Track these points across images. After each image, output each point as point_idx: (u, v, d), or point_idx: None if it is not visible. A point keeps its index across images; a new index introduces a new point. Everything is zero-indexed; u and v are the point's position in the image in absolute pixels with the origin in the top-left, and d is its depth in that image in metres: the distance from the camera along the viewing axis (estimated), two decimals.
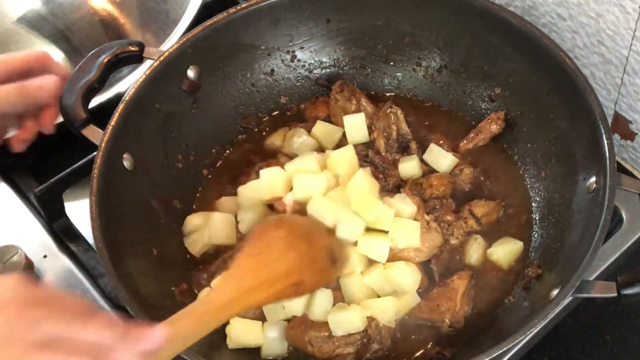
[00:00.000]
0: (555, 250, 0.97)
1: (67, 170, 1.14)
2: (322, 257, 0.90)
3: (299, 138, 1.11)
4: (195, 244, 1.04)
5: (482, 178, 1.07)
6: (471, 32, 1.09)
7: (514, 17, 1.03)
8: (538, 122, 1.05)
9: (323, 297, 0.94)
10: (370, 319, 0.93)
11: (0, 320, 0.57)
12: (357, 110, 1.12)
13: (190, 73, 1.09)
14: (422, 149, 1.10)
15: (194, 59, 1.08)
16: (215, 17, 1.08)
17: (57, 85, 0.96)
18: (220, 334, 0.96)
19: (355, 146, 1.06)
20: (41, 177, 1.19)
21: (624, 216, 1.03)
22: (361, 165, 1.03)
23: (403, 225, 0.97)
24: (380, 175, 1.04)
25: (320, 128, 1.12)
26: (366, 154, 1.07)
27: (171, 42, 1.14)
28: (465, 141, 1.10)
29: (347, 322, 0.92)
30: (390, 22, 1.14)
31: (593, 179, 0.92)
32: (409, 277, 0.95)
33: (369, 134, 1.11)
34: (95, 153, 0.97)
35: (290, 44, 1.16)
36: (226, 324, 0.95)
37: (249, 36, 1.12)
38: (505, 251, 0.99)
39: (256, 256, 0.85)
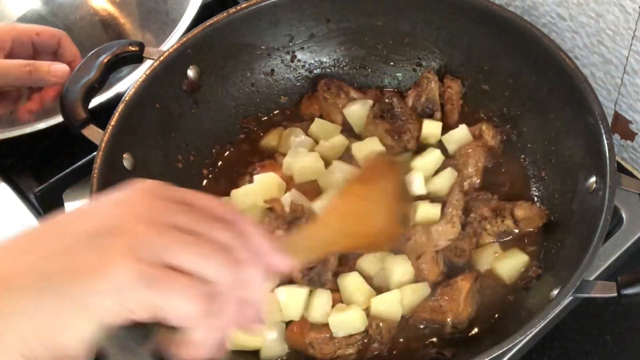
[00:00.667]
0: (555, 250, 0.97)
1: (67, 170, 1.14)
2: (395, 225, 0.88)
3: (296, 138, 1.11)
4: None
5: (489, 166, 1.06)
6: (471, 32, 1.09)
7: (514, 17, 1.03)
8: (538, 122, 1.05)
9: (322, 299, 0.94)
10: (371, 319, 0.93)
11: (136, 201, 0.57)
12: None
13: (190, 73, 1.09)
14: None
15: (194, 59, 1.08)
16: (215, 17, 1.08)
17: (66, 75, 1.01)
18: None
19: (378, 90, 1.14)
20: (41, 177, 1.19)
21: (624, 216, 1.03)
22: (374, 121, 1.08)
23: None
24: (396, 136, 1.07)
25: (318, 126, 1.12)
26: (390, 104, 1.09)
27: (171, 42, 1.14)
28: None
29: (348, 322, 0.92)
30: (390, 22, 1.13)
31: (593, 179, 0.92)
32: (399, 268, 0.96)
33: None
34: (95, 153, 0.97)
35: (290, 44, 1.16)
36: None
37: (249, 36, 1.12)
38: (510, 267, 0.97)
39: (360, 202, 0.83)
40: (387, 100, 1.10)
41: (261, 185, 1.03)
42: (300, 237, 0.78)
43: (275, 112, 1.18)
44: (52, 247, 0.54)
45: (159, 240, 0.55)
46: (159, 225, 0.56)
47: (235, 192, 1.04)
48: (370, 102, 1.13)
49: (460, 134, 1.08)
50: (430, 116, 1.11)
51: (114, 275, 0.53)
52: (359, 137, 1.10)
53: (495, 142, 1.07)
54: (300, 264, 0.82)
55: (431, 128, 1.09)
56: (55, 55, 1.07)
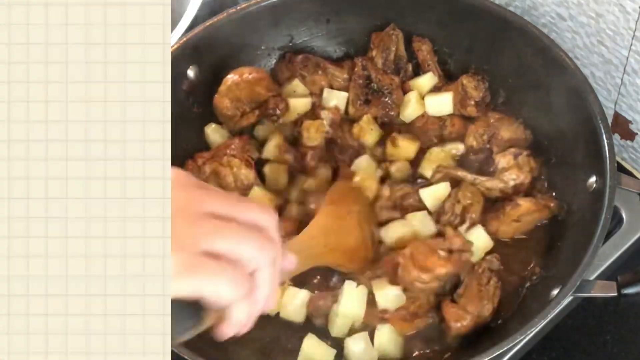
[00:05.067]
0: (555, 250, 0.97)
1: None
2: (369, 245, 0.96)
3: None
4: None
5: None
6: (471, 32, 1.09)
7: (514, 17, 1.03)
8: (538, 123, 1.05)
9: None
10: None
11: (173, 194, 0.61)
12: (329, 82, 1.12)
13: (190, 73, 1.09)
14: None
15: (194, 59, 1.08)
16: (215, 17, 1.08)
17: None
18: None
19: (353, 61, 1.12)
20: None
21: (624, 216, 1.03)
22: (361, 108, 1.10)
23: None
24: (391, 112, 1.10)
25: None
26: (365, 71, 1.10)
27: (171, 42, 1.13)
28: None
29: None
30: (390, 22, 1.14)
31: (593, 179, 0.93)
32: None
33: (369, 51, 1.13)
34: None
35: (290, 44, 1.16)
36: None
37: (249, 36, 1.12)
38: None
39: (338, 220, 0.91)
40: (362, 72, 1.10)
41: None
42: (295, 244, 0.82)
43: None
44: None
45: (197, 230, 0.59)
46: (196, 215, 0.60)
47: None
48: (346, 94, 1.11)
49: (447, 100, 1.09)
50: (400, 71, 1.12)
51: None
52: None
53: (479, 93, 1.07)
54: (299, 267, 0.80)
55: (425, 81, 1.11)
56: None
